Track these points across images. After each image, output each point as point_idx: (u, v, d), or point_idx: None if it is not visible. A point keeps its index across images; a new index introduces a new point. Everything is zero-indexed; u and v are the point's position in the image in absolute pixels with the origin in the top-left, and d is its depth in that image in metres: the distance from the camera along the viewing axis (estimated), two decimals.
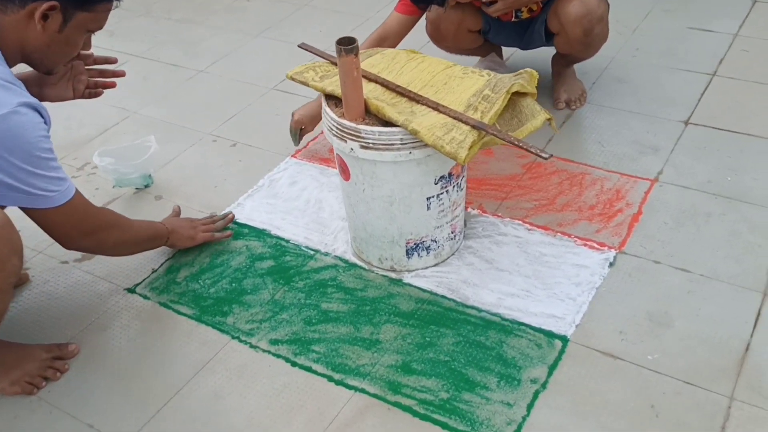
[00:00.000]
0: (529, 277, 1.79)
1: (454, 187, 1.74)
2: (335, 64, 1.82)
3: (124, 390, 1.61)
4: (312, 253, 1.92)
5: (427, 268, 1.84)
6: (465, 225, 1.96)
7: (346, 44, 1.52)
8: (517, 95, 1.67)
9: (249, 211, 2.09)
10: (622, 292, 1.74)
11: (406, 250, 1.80)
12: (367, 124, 1.62)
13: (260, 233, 2.00)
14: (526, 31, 2.34)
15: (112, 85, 1.76)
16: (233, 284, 1.85)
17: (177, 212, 2.03)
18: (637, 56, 2.66)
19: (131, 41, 3.09)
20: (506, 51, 2.63)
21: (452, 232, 1.83)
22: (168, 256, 1.94)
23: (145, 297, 1.84)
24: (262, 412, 1.54)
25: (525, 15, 2.27)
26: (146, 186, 2.22)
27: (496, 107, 1.59)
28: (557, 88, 2.45)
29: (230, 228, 2.03)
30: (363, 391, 1.56)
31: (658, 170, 2.10)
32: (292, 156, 2.29)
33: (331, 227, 2.00)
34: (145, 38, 3.13)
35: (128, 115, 2.60)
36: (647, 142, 2.22)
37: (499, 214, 1.99)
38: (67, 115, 2.52)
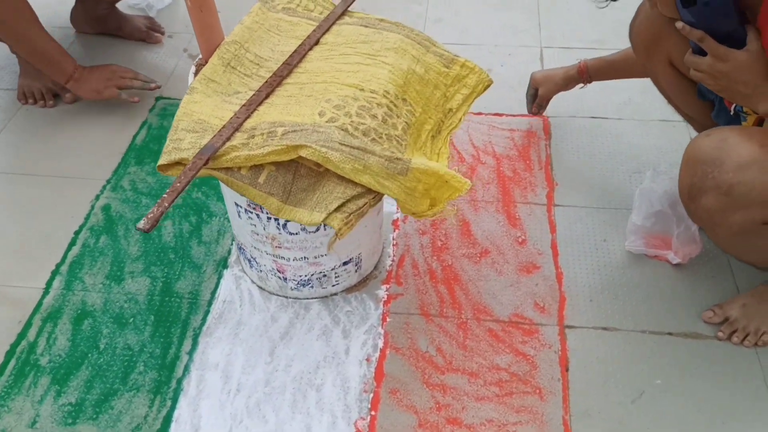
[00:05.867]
0: (265, 384, 1.31)
1: (271, 219, 1.31)
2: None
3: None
4: None
5: (254, 283, 1.49)
6: (357, 286, 1.47)
7: None
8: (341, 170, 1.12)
9: None
10: None
11: (239, 247, 1.47)
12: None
13: None
14: None
15: None
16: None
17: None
18: None
19: None
20: None
21: (279, 272, 1.40)
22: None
23: (149, 125, 1.87)
24: None
25: (750, 121, 1.31)
26: None
27: (255, 152, 1.13)
28: (737, 297, 1.43)
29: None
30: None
31: None
32: None
33: None
34: None
35: None
36: None
37: (396, 312, 1.42)
38: None
